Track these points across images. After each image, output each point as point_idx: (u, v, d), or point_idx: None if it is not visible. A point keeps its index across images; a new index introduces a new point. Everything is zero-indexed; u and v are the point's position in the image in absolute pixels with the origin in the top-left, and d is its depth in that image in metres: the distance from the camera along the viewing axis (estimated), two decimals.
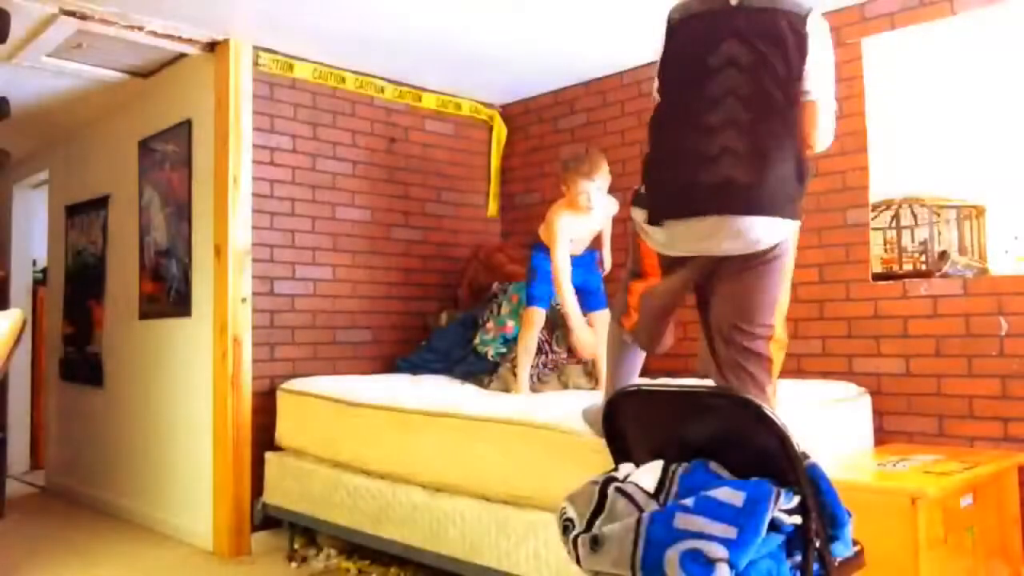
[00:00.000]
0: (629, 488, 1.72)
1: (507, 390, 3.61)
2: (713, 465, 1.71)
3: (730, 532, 1.52)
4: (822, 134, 2.12)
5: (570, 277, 3.33)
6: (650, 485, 1.72)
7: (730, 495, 1.58)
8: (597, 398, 2.80)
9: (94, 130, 5.04)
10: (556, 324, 3.80)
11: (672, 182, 2.07)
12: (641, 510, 1.66)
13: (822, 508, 1.63)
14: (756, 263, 2.11)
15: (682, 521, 1.56)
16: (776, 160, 1.99)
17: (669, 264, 2.23)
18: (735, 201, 1.99)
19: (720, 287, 2.17)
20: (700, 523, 1.55)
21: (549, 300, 3.60)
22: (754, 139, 1.96)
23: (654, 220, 2.11)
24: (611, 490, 1.72)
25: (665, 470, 1.75)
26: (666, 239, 2.13)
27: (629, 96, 4.27)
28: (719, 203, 2.00)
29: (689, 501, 1.60)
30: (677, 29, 2.08)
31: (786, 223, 2.08)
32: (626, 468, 1.83)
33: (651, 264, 2.30)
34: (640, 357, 2.53)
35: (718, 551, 1.49)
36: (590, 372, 3.72)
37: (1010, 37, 3.05)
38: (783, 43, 1.95)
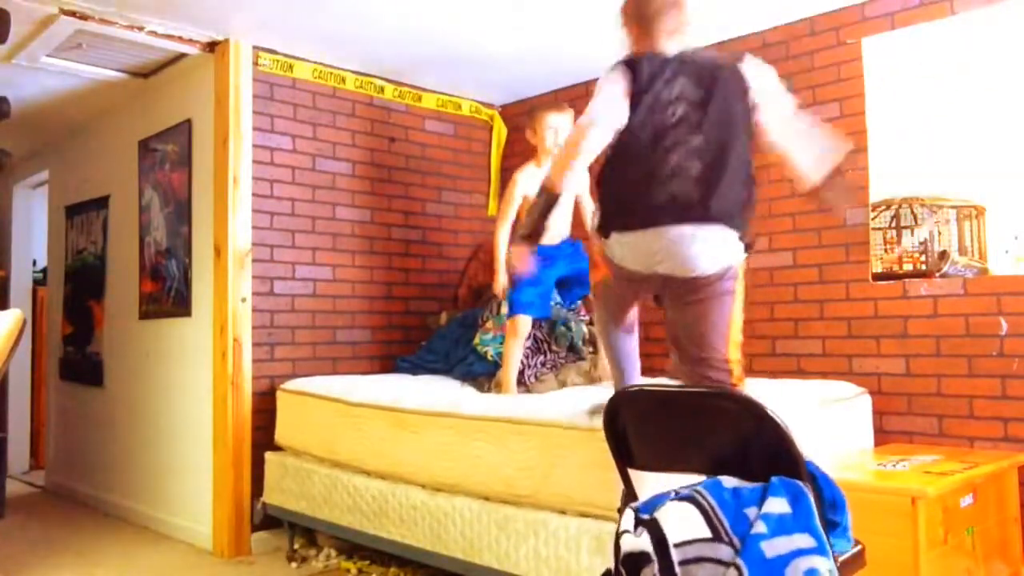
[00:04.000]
0: (692, 551, 1.56)
1: (506, 394, 3.60)
2: (726, 480, 1.66)
3: (811, 541, 1.50)
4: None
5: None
6: (705, 531, 1.57)
7: (778, 505, 1.55)
8: (594, 394, 2.81)
9: (94, 130, 5.04)
10: (555, 323, 3.80)
11: (622, 197, 2.19)
12: (725, 563, 1.54)
13: (821, 494, 1.63)
14: (700, 295, 2.17)
15: (770, 548, 1.51)
16: (724, 181, 2.12)
17: (623, 277, 2.31)
18: (678, 213, 2.10)
19: (671, 311, 2.27)
20: (785, 543, 1.51)
21: (538, 307, 3.52)
22: (704, 161, 2.11)
23: (604, 232, 2.23)
24: (679, 570, 1.56)
25: (702, 510, 1.60)
26: (617, 252, 2.24)
27: None
28: (664, 217, 2.11)
29: (762, 527, 1.53)
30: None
31: (728, 240, 2.14)
32: (635, 540, 1.63)
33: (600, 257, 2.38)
34: (632, 336, 2.55)
35: (825, 562, 1.48)
36: (587, 371, 3.72)
37: (1010, 37, 3.05)
38: (725, 83, 2.16)
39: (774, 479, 1.61)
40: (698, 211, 2.10)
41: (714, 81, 2.15)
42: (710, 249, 2.13)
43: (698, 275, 2.14)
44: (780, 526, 1.53)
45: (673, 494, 1.69)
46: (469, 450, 2.86)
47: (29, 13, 3.39)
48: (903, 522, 2.34)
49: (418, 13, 3.55)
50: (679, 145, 2.11)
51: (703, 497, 1.61)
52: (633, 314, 2.54)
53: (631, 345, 2.60)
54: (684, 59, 2.18)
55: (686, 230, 2.10)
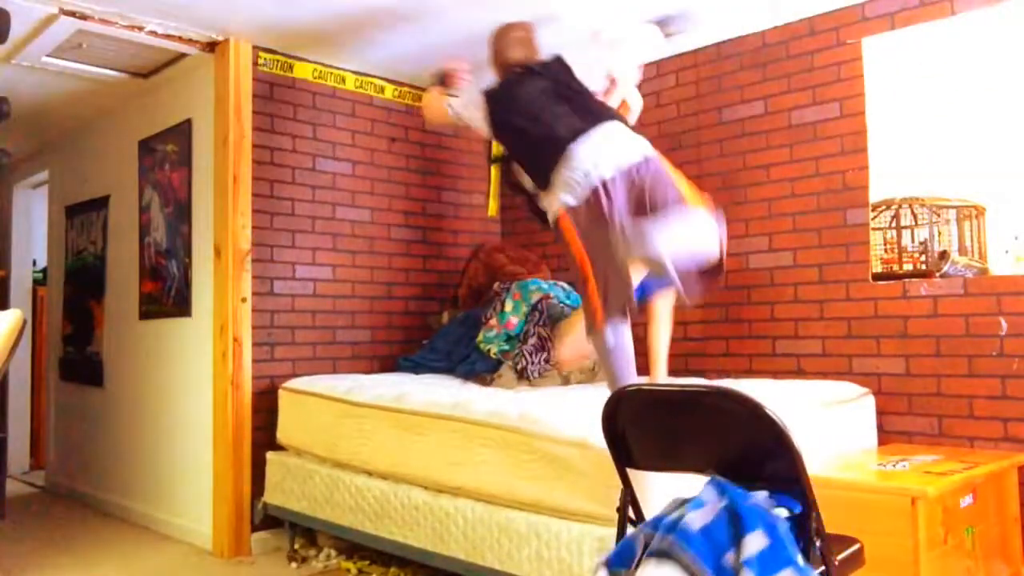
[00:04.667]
0: None
1: (509, 388, 3.60)
2: (693, 520, 1.62)
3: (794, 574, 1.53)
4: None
5: None
6: None
7: (756, 542, 1.55)
8: (602, 398, 2.81)
9: (94, 130, 5.04)
10: (559, 321, 3.80)
11: (539, 156, 2.77)
12: None
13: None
14: (644, 173, 2.62)
15: None
16: (600, 111, 2.81)
17: (586, 227, 2.65)
18: (583, 130, 2.68)
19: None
20: None
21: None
22: (576, 110, 2.79)
23: (543, 185, 2.77)
24: None
25: (683, 567, 1.58)
26: (561, 192, 2.68)
27: None
28: (574, 137, 2.68)
29: (748, 574, 1.54)
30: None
31: (633, 134, 2.77)
32: None
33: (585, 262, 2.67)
34: (628, 338, 2.64)
35: None
36: (591, 368, 3.73)
37: (1010, 37, 3.05)
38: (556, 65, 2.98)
39: (743, 505, 1.60)
40: (595, 121, 2.72)
41: (546, 68, 2.94)
42: (624, 136, 2.73)
43: (629, 158, 2.63)
44: (763, 567, 1.53)
45: (642, 544, 1.67)
46: (473, 454, 2.84)
47: (29, 13, 3.39)
48: (903, 522, 2.34)
49: (418, 14, 3.55)
50: (551, 113, 2.78)
51: (680, 550, 1.59)
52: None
53: (631, 349, 2.63)
54: (529, 67, 2.98)
55: (598, 129, 2.70)
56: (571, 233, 2.66)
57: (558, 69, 2.93)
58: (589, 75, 2.94)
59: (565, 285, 4.12)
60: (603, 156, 2.64)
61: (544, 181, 2.76)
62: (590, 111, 2.79)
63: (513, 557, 2.65)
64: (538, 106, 2.83)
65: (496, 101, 2.98)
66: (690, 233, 2.57)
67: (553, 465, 2.57)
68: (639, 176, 2.63)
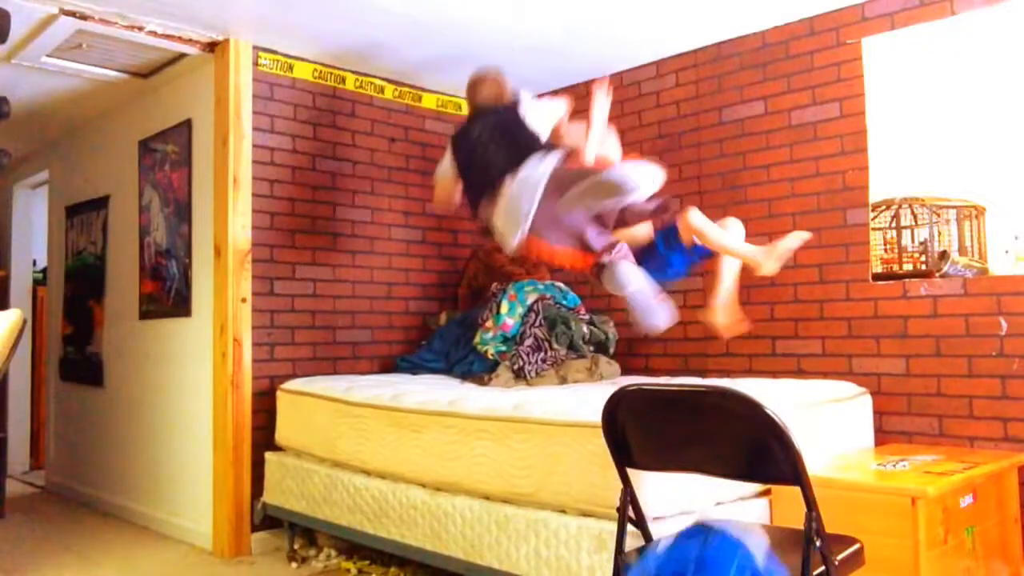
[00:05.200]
0: None
1: (506, 388, 3.61)
2: None
3: None
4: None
5: None
6: None
7: None
8: (596, 392, 2.83)
9: (94, 130, 5.04)
10: (555, 323, 3.80)
11: (484, 189, 3.16)
12: None
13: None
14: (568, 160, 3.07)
15: None
16: (523, 154, 3.14)
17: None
18: (519, 161, 3.06)
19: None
20: None
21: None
22: (507, 152, 3.16)
23: (475, 213, 3.23)
24: None
25: None
26: (509, 231, 3.03)
27: (629, 96, 4.28)
28: (512, 168, 3.05)
29: None
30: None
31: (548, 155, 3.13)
32: None
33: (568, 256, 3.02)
34: (637, 273, 2.92)
35: None
36: (588, 368, 3.73)
37: (1010, 37, 3.05)
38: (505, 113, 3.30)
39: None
40: (528, 154, 3.07)
41: (491, 114, 3.28)
42: (547, 155, 3.07)
43: (552, 163, 3.01)
44: None
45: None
46: (470, 449, 2.86)
47: (29, 13, 3.40)
48: (903, 522, 2.34)
49: (418, 14, 3.56)
50: (492, 150, 3.16)
51: None
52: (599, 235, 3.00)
53: (632, 271, 2.91)
54: (483, 110, 3.33)
55: (530, 161, 3.04)
56: (545, 251, 3.01)
57: (506, 112, 3.26)
58: (541, 122, 3.26)
59: (562, 285, 4.12)
60: (533, 177, 2.98)
61: (487, 209, 3.13)
62: (527, 147, 3.13)
63: (511, 555, 2.65)
64: (482, 146, 3.23)
65: (455, 146, 3.38)
66: (627, 167, 2.94)
67: (550, 449, 2.59)
68: (563, 167, 3.00)
